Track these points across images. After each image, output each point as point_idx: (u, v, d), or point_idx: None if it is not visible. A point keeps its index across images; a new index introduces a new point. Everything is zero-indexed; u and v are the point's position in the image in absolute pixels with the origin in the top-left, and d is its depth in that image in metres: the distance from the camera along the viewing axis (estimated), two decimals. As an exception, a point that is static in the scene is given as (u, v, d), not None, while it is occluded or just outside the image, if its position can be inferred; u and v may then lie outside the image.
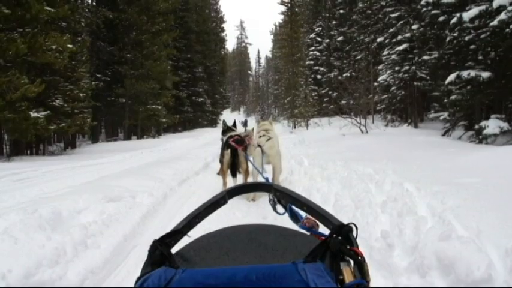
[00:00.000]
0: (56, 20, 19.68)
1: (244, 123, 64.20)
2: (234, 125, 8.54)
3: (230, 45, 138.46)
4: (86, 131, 28.26)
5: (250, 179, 7.43)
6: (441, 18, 16.35)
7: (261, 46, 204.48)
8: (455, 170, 6.97)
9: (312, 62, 48.47)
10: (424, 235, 3.66)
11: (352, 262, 0.90)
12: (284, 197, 1.34)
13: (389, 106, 27.87)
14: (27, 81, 15.62)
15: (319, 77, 47.90)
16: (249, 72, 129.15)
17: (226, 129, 8.21)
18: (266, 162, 7.13)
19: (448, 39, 15.26)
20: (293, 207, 1.39)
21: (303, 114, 37.59)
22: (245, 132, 9.00)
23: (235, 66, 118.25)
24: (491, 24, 12.50)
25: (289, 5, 41.18)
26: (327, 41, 48.99)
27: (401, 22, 24.49)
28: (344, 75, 36.37)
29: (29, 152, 22.31)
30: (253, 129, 9.06)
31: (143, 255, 1.01)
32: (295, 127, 37.82)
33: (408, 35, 22.98)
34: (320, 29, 50.67)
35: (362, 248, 0.94)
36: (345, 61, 44.29)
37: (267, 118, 9.29)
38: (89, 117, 23.04)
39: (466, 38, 13.99)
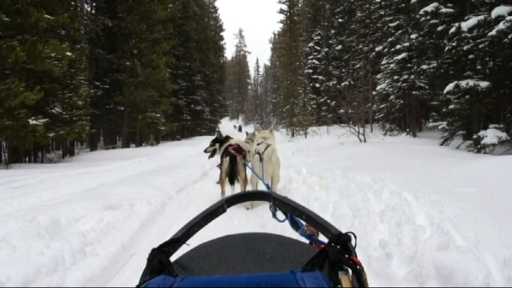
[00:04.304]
0: (55, 28, 19.73)
1: (239, 129, 64.53)
2: (220, 135, 8.44)
3: (229, 53, 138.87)
4: (85, 139, 28.29)
5: (249, 187, 7.43)
6: (440, 28, 16.41)
7: (259, 54, 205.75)
8: (453, 179, 6.97)
9: (310, 71, 48.64)
10: (423, 244, 3.66)
11: (350, 271, 0.91)
12: (282, 206, 1.34)
13: (387, 115, 27.91)
14: (26, 88, 15.65)
15: (317, 85, 48.04)
16: (248, 80, 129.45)
17: (224, 139, 8.14)
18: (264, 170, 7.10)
19: (446, 48, 15.31)
20: None
21: (302, 123, 37.57)
22: (247, 137, 8.94)
23: (234, 74, 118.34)
24: (490, 34, 12.55)
25: (288, 14, 41.26)
26: (326, 49, 49.19)
27: (400, 31, 24.57)
28: (343, 84, 36.41)
29: (27, 159, 22.30)
30: (253, 134, 8.98)
31: (142, 264, 1.01)
32: (293, 135, 37.77)
33: (407, 44, 23.05)
34: (319, 37, 50.88)
35: (360, 257, 0.95)
36: (343, 70, 44.46)
37: (266, 127, 9.18)
38: (88, 125, 23.03)
39: (465, 48, 14.04)
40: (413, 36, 22.23)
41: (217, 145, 8.21)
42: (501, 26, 12.10)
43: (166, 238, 1.10)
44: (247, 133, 9.24)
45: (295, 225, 1.45)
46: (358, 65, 38.51)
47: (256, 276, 0.83)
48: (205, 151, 8.54)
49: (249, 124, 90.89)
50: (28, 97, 15.34)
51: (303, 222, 1.38)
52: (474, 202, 4.94)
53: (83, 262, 3.98)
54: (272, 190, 6.19)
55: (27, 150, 21.63)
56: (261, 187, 6.56)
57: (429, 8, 16.28)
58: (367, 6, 36.81)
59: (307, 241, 1.34)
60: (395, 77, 24.65)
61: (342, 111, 25.65)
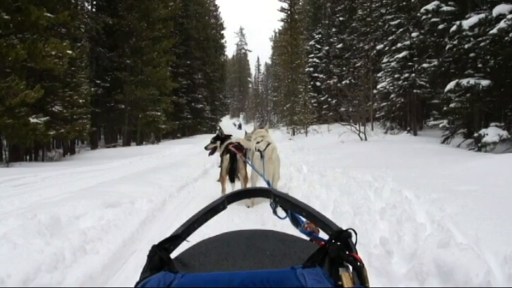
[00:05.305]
0: (56, 26, 19.69)
1: (239, 127, 64.75)
2: (221, 133, 8.40)
3: (230, 51, 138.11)
4: (85, 137, 28.21)
5: (249, 185, 7.41)
6: (441, 26, 16.39)
7: (260, 53, 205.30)
8: (454, 177, 6.97)
9: (311, 69, 48.54)
10: (423, 242, 3.66)
11: (351, 268, 0.90)
12: (283, 203, 1.34)
13: (388, 113, 27.91)
14: (27, 86, 15.64)
15: (318, 84, 47.99)
16: (249, 78, 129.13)
17: (224, 137, 8.08)
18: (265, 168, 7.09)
19: (447, 47, 15.30)
20: None
21: (302, 121, 37.58)
22: (247, 136, 8.91)
23: (234, 72, 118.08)
24: (491, 32, 12.54)
25: (289, 12, 41.19)
26: (327, 48, 49.14)
27: (401, 30, 24.58)
28: (343, 82, 36.47)
29: (28, 157, 22.26)
30: (252, 132, 8.94)
31: (142, 261, 1.01)
32: (294, 134, 37.75)
33: (408, 42, 23.06)
34: (320, 36, 50.81)
35: (361, 255, 0.94)
36: (344, 68, 44.39)
37: (264, 126, 9.19)
38: (88, 123, 22.96)
39: (466, 46, 14.02)
40: (414, 34, 22.24)
41: (218, 143, 8.17)
42: (502, 24, 12.09)
43: (167, 235, 1.10)
44: (246, 132, 9.22)
45: (296, 222, 1.44)
46: (359, 64, 38.45)
47: (257, 272, 0.83)
48: (206, 148, 8.49)
49: (250, 122, 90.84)
50: (28, 95, 15.32)
51: (304, 219, 1.38)
52: (475, 200, 4.93)
53: (83, 260, 3.98)
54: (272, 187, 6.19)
55: (28, 149, 21.61)
56: (261, 185, 6.55)
57: (430, 6, 16.27)
58: (368, 4, 36.73)
59: (307, 238, 1.33)
60: (396, 76, 24.65)
61: (342, 109, 25.71)
